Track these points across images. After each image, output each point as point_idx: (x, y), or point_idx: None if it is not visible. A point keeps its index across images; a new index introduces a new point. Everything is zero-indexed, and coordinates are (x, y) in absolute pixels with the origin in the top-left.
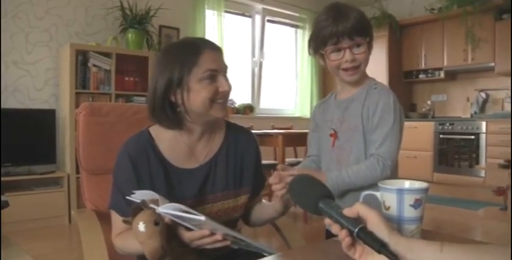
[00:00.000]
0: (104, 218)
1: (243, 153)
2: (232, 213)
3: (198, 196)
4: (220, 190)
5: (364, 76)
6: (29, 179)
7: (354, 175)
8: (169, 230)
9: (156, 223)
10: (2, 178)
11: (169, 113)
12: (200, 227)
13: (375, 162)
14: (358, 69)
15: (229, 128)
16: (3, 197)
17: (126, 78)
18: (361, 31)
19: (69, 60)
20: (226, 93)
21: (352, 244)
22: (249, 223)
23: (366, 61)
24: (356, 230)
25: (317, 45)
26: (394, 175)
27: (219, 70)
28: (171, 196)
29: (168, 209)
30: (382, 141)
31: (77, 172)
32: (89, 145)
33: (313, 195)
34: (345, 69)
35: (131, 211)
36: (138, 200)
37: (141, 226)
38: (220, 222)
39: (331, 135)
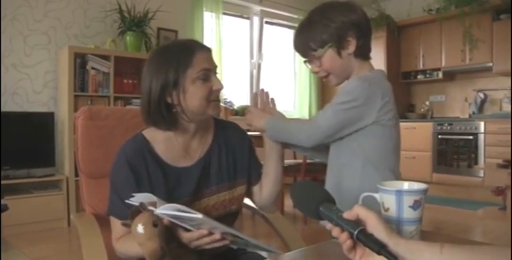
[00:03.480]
0: (103, 222)
1: (234, 145)
2: (229, 205)
3: (195, 192)
4: (215, 183)
5: (360, 71)
6: (28, 182)
7: (289, 127)
8: (169, 232)
9: (155, 225)
10: (1, 182)
11: (165, 114)
12: (198, 227)
13: (307, 127)
14: (330, 77)
15: (216, 124)
16: (2, 201)
17: (125, 81)
18: (310, 45)
19: (67, 63)
20: (220, 91)
21: (353, 247)
22: (263, 199)
23: (333, 68)
24: (356, 232)
25: None
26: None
27: (211, 70)
28: (170, 195)
29: (165, 210)
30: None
31: (76, 175)
32: (87, 149)
33: (314, 199)
34: (321, 77)
35: (129, 214)
36: (137, 204)
37: (140, 228)
38: (218, 216)
39: None
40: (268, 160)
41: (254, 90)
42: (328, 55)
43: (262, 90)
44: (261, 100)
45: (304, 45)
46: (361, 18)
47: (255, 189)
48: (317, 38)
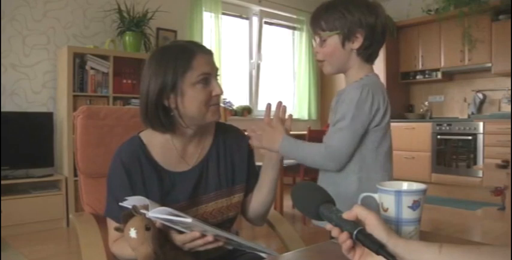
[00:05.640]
0: (103, 222)
1: (233, 151)
2: (226, 212)
3: (192, 197)
4: (213, 190)
5: (359, 71)
6: (26, 182)
7: (303, 155)
8: (162, 234)
9: (148, 229)
10: (1, 182)
11: (162, 117)
12: (191, 229)
13: (327, 153)
14: (323, 63)
15: (218, 128)
16: None
17: (124, 81)
18: (321, 24)
19: (66, 63)
20: (219, 96)
21: (352, 247)
22: (251, 213)
23: (329, 56)
24: (355, 232)
25: None
26: (376, 173)
27: (212, 74)
28: (165, 199)
29: (157, 213)
30: (333, 133)
31: (75, 175)
32: (86, 149)
33: (314, 200)
34: (317, 61)
35: (122, 218)
36: (130, 206)
37: (133, 233)
38: (216, 222)
39: (327, 127)
40: (264, 178)
41: (254, 89)
42: (333, 40)
43: (280, 102)
44: (276, 114)
45: (317, 22)
46: (377, 24)
47: (247, 199)
48: (330, 20)
